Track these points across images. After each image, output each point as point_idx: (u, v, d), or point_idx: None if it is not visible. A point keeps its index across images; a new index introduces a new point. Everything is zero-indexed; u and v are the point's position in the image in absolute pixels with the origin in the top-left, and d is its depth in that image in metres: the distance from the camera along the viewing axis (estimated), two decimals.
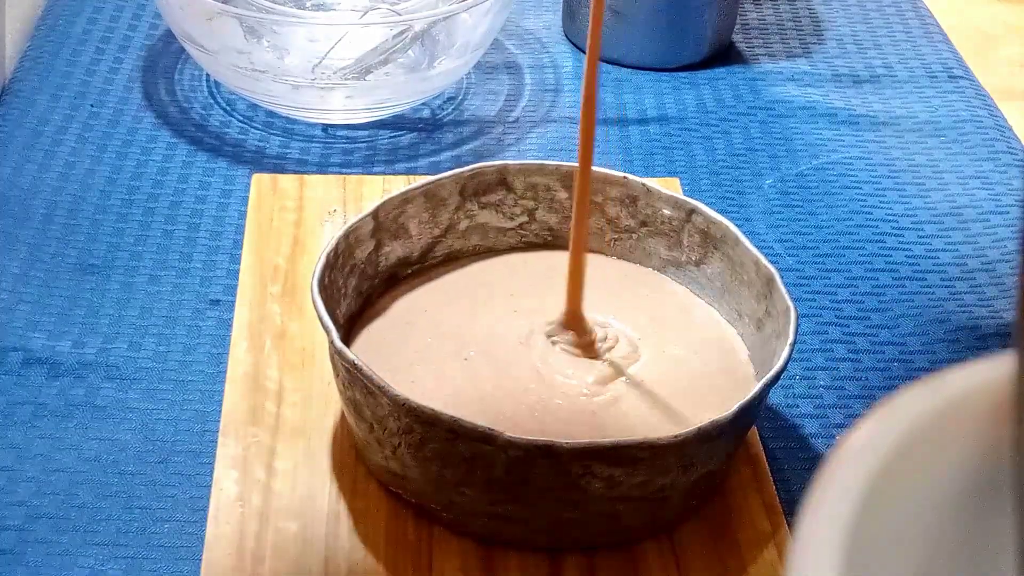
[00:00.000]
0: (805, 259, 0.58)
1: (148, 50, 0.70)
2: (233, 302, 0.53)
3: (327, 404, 0.48)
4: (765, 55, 0.74)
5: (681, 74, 0.71)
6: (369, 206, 0.49)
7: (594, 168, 0.51)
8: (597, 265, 0.51)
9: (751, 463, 0.47)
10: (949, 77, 0.73)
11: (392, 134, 0.65)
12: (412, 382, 0.46)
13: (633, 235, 0.52)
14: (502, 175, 0.52)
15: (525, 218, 0.53)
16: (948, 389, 0.22)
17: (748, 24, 0.77)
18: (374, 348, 0.47)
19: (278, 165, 0.62)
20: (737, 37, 0.75)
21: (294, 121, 0.65)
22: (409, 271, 0.51)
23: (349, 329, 0.48)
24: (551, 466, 0.40)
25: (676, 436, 0.40)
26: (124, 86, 0.67)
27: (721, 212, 0.50)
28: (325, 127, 0.65)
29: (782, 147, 0.66)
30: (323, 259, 0.46)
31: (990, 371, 0.23)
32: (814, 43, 0.76)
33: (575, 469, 0.40)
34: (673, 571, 0.43)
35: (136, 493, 0.45)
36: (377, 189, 0.59)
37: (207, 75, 0.68)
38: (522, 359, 0.47)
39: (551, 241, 0.53)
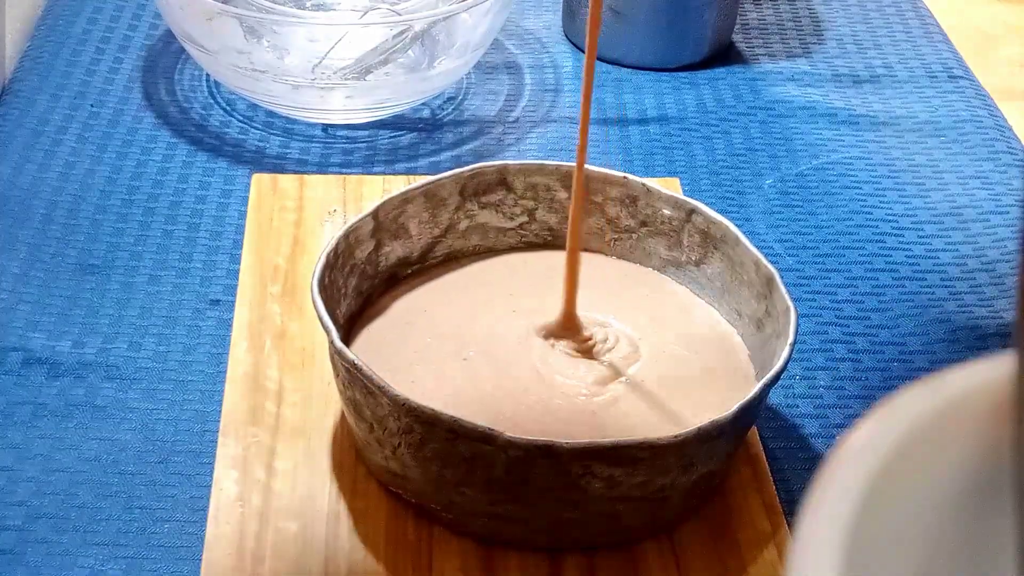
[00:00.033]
0: (805, 259, 0.58)
1: (148, 50, 0.70)
2: (233, 302, 0.53)
3: (327, 404, 0.48)
4: (765, 55, 0.74)
5: (681, 74, 0.71)
6: (369, 206, 0.49)
7: (595, 168, 0.51)
8: (597, 265, 0.52)
9: (751, 463, 0.47)
10: (949, 77, 0.73)
11: (392, 134, 0.65)
12: (412, 382, 0.46)
13: (633, 235, 0.52)
14: (502, 175, 0.52)
15: (525, 218, 0.53)
16: (948, 389, 0.22)
17: (748, 24, 0.77)
18: (374, 348, 0.47)
19: (278, 165, 0.62)
20: (737, 37, 0.75)
21: (294, 121, 0.65)
22: (409, 271, 0.51)
23: (349, 329, 0.48)
24: (551, 466, 0.40)
25: (676, 436, 0.40)
26: (124, 86, 0.67)
27: (721, 212, 0.50)
28: (325, 127, 0.65)
29: (782, 147, 0.66)
30: (323, 259, 0.46)
31: (990, 371, 0.23)
32: (814, 43, 0.76)
33: (575, 469, 0.40)
34: (673, 571, 0.43)
35: (136, 493, 0.45)
36: (377, 189, 0.59)
37: (207, 75, 0.68)
38: (522, 359, 0.47)
39: (551, 241, 0.53)
